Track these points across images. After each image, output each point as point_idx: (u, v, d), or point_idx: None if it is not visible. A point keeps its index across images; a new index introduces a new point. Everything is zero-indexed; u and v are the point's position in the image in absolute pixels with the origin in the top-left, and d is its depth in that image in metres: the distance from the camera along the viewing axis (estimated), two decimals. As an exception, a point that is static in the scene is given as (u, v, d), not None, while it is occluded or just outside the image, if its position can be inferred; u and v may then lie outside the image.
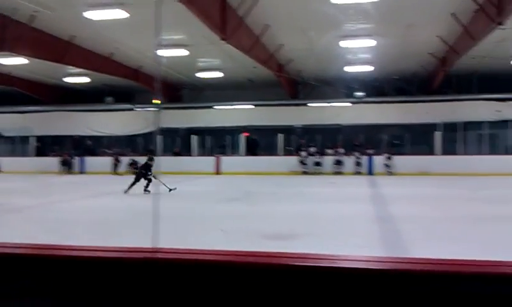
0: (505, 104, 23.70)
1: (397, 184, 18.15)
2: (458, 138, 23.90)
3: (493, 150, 23.42)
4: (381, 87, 24.68)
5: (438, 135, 23.90)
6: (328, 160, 23.81)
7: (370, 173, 22.88)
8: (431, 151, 23.80)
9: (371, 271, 1.36)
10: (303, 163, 23.96)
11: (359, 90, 25.20)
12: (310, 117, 26.05)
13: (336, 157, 23.81)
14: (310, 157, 24.05)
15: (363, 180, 20.29)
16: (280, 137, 26.09)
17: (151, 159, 15.17)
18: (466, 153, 23.28)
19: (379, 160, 22.88)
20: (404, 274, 1.33)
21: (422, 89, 24.41)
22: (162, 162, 22.34)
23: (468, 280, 1.29)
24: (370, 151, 23.33)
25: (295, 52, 19.45)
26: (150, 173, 14.70)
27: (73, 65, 19.66)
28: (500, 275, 1.29)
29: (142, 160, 16.05)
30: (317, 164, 23.93)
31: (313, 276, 1.33)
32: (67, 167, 25.80)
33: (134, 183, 14.46)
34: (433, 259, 1.38)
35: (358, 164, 23.30)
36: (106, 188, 17.14)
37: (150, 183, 14.42)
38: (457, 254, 1.67)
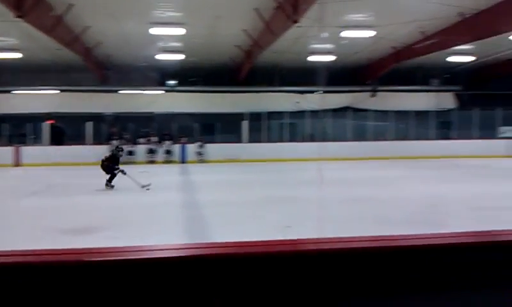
0: (302, 96, 26.22)
1: (208, 171, 18.73)
2: (263, 127, 25.62)
3: (293, 138, 25.72)
4: (192, 77, 25.11)
5: (245, 124, 25.30)
6: (141, 149, 23.39)
7: (183, 161, 23.17)
8: (239, 140, 25.07)
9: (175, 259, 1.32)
10: (113, 152, 23.09)
11: (171, 78, 25.27)
12: (121, 104, 25.20)
13: (149, 146, 23.53)
14: (122, 146, 23.27)
15: (175, 168, 20.44)
16: (89, 126, 24.69)
17: (120, 150, 13.93)
18: (269, 141, 25.12)
19: (191, 148, 23.29)
20: (203, 260, 1.30)
21: (230, 80, 25.53)
22: None
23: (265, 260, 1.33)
24: (183, 140, 23.60)
25: (103, 35, 18.53)
26: (117, 166, 13.06)
27: None
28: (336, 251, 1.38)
29: None
30: (130, 153, 23.30)
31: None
32: None
33: (112, 178, 12.95)
34: (231, 242, 1.39)
35: (168, 152, 23.34)
36: None
37: (115, 178, 12.94)
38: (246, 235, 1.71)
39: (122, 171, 12.95)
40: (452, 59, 23.35)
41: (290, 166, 19.74)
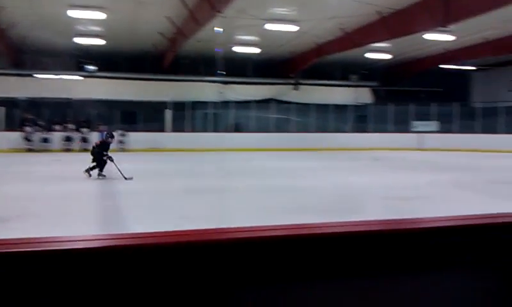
0: (226, 87, 26.28)
1: (128, 160, 18.17)
2: (186, 116, 25.37)
3: (217, 128, 25.74)
4: (113, 63, 24.31)
5: (168, 113, 24.93)
6: (57, 137, 22.33)
7: (102, 149, 22.36)
8: (162, 129, 24.66)
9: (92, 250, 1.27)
10: (27, 139, 21.84)
11: (90, 63, 24.31)
12: (36, 89, 23.83)
13: (66, 133, 22.52)
14: (37, 133, 22.12)
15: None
16: (1, 111, 23.19)
17: (111, 136, 13.27)
18: (193, 131, 24.95)
19: (112, 136, 22.55)
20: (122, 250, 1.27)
21: (154, 68, 25.01)
22: None
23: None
24: (102, 127, 22.79)
25: (19, 16, 17.40)
26: (105, 153, 12.36)
27: None
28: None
29: None
30: (45, 140, 22.18)
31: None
32: None
33: (95, 167, 12.17)
34: (141, 234, 1.37)
35: (85, 140, 22.43)
36: None
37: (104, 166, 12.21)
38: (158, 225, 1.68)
39: (110, 158, 12.31)
40: (370, 55, 24.40)
41: (214, 156, 19.74)
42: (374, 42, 19.62)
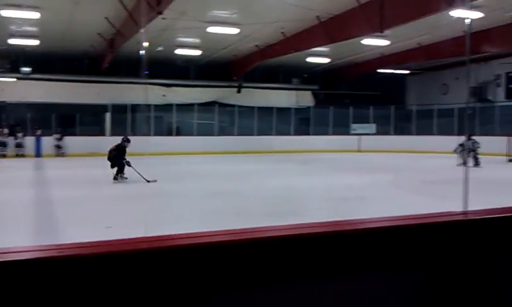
0: (169, 89, 25.92)
1: (66, 166, 17.63)
2: (127, 120, 24.76)
3: (158, 131, 25.32)
4: (49, 64, 23.38)
5: (108, 117, 24.26)
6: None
7: (38, 154, 21.47)
8: (102, 132, 23.96)
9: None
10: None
11: (25, 65, 23.26)
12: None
13: (-1, 138, 21.44)
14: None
15: (28, 162, 18.86)
16: None
17: (127, 140, 13.42)
18: (134, 134, 24.34)
19: (48, 141, 21.68)
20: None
21: (92, 70, 24.27)
22: None
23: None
24: (38, 132, 21.88)
25: None
26: (124, 157, 12.83)
27: None
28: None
29: None
30: (-25, 146, 21.02)
31: None
32: None
33: (118, 171, 12.65)
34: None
35: (19, 145, 21.43)
36: None
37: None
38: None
39: (128, 163, 12.66)
40: (311, 59, 24.86)
41: (155, 160, 19.42)
42: (314, 46, 19.99)
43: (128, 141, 13.78)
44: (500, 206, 2.02)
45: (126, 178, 12.72)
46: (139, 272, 1.34)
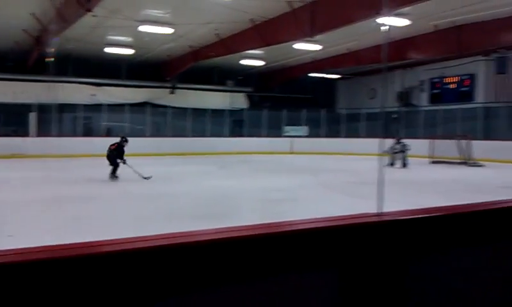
0: (99, 89, 25.12)
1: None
2: (54, 120, 23.71)
3: (87, 132, 24.47)
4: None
5: (32, 116, 23.13)
6: None
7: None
8: (25, 133, 22.78)
9: None
10: None
11: None
12: None
13: None
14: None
15: None
16: None
17: (125, 140, 13.64)
18: (61, 135, 23.40)
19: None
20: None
21: (16, 68, 23.06)
22: None
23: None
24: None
25: None
26: (122, 158, 13.16)
27: None
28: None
29: None
30: None
31: None
32: None
33: (114, 169, 13.06)
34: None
35: None
36: None
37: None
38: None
39: (124, 162, 13.04)
40: (245, 62, 25.04)
41: (83, 162, 18.77)
42: (247, 49, 20.15)
43: (126, 140, 13.97)
44: (420, 207, 2.13)
45: (117, 177, 13.08)
46: (62, 281, 1.30)
